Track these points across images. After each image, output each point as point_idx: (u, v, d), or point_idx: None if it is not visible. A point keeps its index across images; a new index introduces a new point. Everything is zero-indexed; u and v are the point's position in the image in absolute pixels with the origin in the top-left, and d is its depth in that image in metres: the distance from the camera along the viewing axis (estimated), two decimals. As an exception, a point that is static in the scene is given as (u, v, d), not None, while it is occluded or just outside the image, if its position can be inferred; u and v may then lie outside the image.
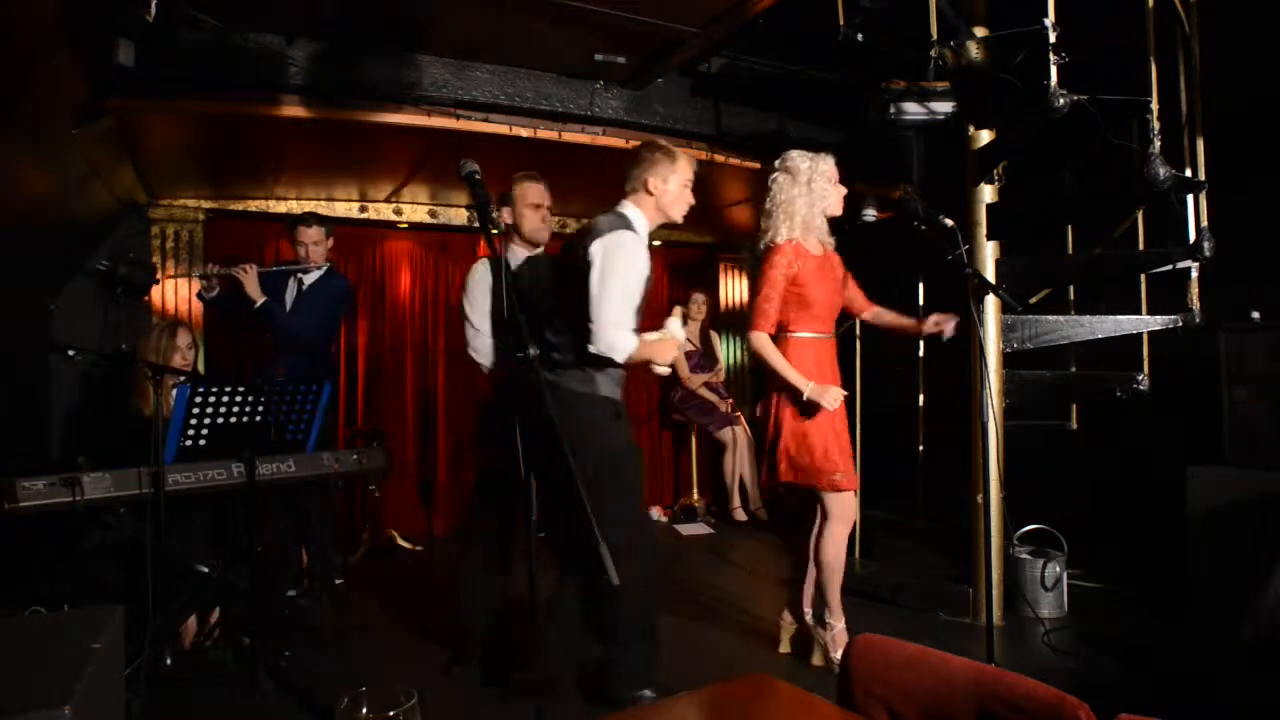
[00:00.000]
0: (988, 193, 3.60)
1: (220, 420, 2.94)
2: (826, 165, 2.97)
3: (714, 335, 6.14)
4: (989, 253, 3.59)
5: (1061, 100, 2.94)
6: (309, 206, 5.13)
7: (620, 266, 2.55)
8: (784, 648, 3.21)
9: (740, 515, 5.66)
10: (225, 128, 3.73)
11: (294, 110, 3.59)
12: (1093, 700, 1.12)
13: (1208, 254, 3.28)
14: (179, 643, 3.10)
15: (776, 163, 3.02)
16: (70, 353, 3.14)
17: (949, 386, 4.06)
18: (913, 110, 3.45)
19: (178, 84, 3.35)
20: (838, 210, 3.03)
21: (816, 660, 3.04)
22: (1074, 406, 3.91)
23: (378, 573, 4.58)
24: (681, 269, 6.49)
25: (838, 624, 2.99)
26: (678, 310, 5.86)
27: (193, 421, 2.89)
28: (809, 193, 2.94)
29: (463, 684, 2.87)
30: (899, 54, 3.37)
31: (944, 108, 3.45)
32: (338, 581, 4.01)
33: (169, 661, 2.93)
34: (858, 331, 4.29)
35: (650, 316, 2.82)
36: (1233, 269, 3.39)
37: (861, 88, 3.68)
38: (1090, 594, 3.77)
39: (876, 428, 4.38)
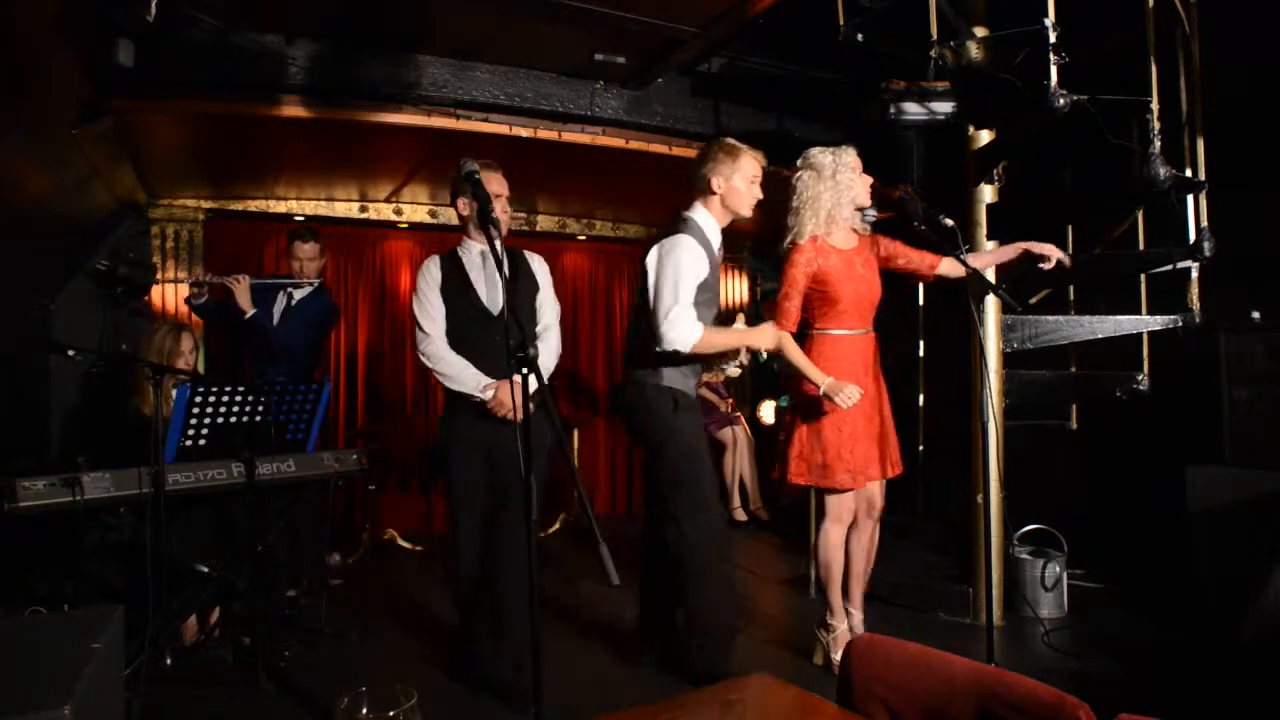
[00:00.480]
0: (988, 193, 3.60)
1: (220, 420, 2.95)
2: (849, 157, 2.96)
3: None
4: (989, 253, 3.59)
5: (1061, 100, 2.94)
6: (309, 207, 5.13)
7: (669, 264, 2.74)
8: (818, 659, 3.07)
9: (740, 515, 5.65)
10: (225, 128, 3.73)
11: (294, 110, 3.59)
12: (1093, 700, 1.12)
13: (1208, 254, 3.27)
14: (179, 643, 3.10)
15: (799, 161, 3.01)
16: (70, 353, 3.13)
17: (949, 386, 4.06)
18: (913, 110, 3.45)
19: (178, 84, 3.36)
20: (866, 200, 3.01)
21: (817, 660, 3.04)
22: (1074, 406, 3.91)
23: (378, 572, 4.58)
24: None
25: (839, 625, 2.99)
26: None
27: (193, 421, 2.89)
28: (834, 186, 2.93)
29: (463, 684, 2.86)
30: (899, 54, 3.37)
31: (944, 108, 3.45)
32: (333, 582, 4.01)
33: (169, 661, 2.93)
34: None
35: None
36: (1233, 269, 3.38)
37: (861, 88, 3.68)
38: (1090, 594, 3.76)
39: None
